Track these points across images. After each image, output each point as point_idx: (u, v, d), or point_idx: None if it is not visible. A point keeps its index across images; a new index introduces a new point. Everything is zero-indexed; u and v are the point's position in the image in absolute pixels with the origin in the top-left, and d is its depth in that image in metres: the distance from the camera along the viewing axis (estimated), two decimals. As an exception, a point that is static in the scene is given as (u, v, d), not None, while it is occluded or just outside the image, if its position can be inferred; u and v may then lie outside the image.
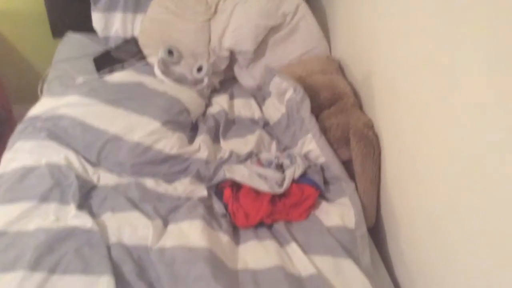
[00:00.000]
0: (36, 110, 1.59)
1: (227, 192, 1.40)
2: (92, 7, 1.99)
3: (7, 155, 1.47)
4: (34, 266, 1.12)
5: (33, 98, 1.90)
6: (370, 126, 1.48)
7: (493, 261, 0.89)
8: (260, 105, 1.82)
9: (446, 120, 1.05)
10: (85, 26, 2.04)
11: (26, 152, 1.45)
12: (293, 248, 1.27)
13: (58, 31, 2.12)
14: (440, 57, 1.07)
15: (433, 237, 1.13)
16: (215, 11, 1.93)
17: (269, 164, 1.48)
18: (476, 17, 0.92)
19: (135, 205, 1.33)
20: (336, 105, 1.59)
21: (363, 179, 1.40)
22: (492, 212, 0.89)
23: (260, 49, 1.92)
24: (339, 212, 1.35)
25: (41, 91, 1.85)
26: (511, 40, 0.81)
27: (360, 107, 1.61)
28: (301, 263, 1.24)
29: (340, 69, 1.81)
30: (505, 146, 0.84)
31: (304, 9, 1.92)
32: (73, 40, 2.05)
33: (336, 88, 1.63)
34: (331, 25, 1.98)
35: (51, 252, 1.16)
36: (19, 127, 1.55)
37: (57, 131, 1.50)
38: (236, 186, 1.43)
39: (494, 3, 0.86)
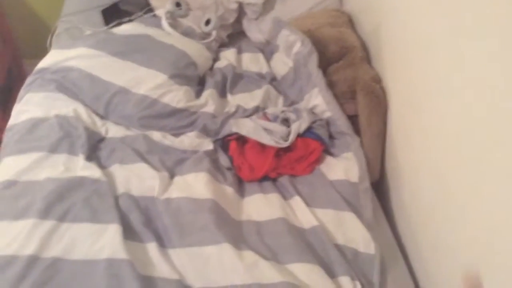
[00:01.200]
0: (45, 62, 1.60)
1: (233, 146, 1.42)
2: (100, -42, 1.95)
3: (17, 107, 1.50)
4: (44, 214, 1.16)
5: (44, 53, 1.91)
6: (377, 80, 1.47)
7: (496, 213, 0.90)
8: (268, 59, 1.80)
9: (454, 73, 1.03)
10: (93, -22, 2.02)
11: (35, 104, 1.47)
12: (297, 201, 1.29)
13: (66, -17, 2.10)
14: (451, 11, 1.04)
15: (436, 190, 1.14)
16: (224, -38, 1.89)
17: (275, 118, 1.48)
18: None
19: (142, 157, 1.36)
20: (344, 59, 1.57)
21: (369, 133, 1.40)
22: (496, 165, 0.89)
23: (269, 1, 1.88)
24: (343, 167, 1.36)
25: (51, 44, 1.86)
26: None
27: (369, 61, 1.59)
28: (304, 215, 1.26)
29: (350, 22, 1.77)
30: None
31: (315, -41, 1.86)
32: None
33: (345, 41, 1.60)
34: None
35: (61, 201, 1.20)
36: (29, 79, 1.57)
37: (65, 83, 1.52)
38: (242, 140, 1.44)
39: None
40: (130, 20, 1.83)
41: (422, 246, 1.23)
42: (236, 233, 1.19)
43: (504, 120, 0.84)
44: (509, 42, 0.81)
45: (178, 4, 1.83)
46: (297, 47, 1.57)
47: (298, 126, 1.43)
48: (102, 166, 1.33)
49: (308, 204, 1.28)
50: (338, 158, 1.40)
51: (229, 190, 1.32)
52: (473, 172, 0.97)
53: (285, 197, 1.33)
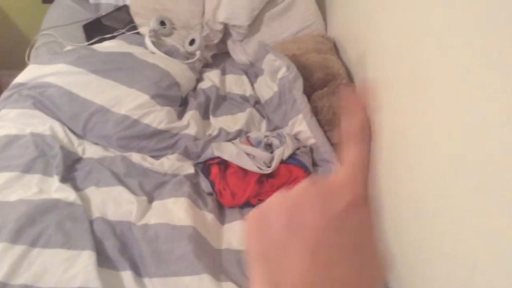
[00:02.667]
0: (23, 77, 1.55)
1: (215, 170, 1.39)
2: (83, -28, 1.92)
3: (-9, 124, 1.44)
4: (15, 238, 1.10)
5: (21, 65, 1.86)
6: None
7: (478, 247, 0.89)
8: (252, 82, 1.78)
9: (441, 103, 1.03)
10: (76, -8, 1.98)
11: (10, 120, 1.42)
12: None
13: (47, -4, 2.06)
14: (435, 41, 1.04)
15: (418, 220, 1.13)
16: (210, -18, 1.88)
17: (258, 143, 1.46)
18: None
19: (120, 180, 1.31)
20: (329, 86, 1.56)
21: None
22: (480, 197, 0.88)
23: (255, 24, 1.87)
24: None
25: (29, 58, 1.81)
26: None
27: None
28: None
29: (335, 48, 1.78)
30: (496, 123, 0.82)
31: (302, -16, 1.87)
32: (63, 6, 1.99)
33: (329, 68, 1.60)
34: (328, 4, 1.93)
35: (33, 224, 1.15)
36: (4, 94, 1.52)
37: (43, 99, 1.47)
38: (224, 164, 1.41)
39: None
40: (113, 37, 1.79)
41: (403, 277, 1.22)
42: (215, 263, 1.16)
43: (487, 153, 0.84)
44: (504, 72, 0.81)
45: (162, 23, 1.80)
46: (282, 72, 1.56)
47: (282, 152, 1.41)
48: (77, 188, 1.28)
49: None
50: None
51: (210, 216, 1.28)
52: (457, 204, 0.96)
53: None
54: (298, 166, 1.40)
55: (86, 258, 1.09)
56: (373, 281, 0.29)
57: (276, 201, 0.31)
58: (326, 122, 1.48)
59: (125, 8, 1.90)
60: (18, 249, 1.09)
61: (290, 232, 0.29)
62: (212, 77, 1.76)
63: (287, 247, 0.29)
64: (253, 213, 0.32)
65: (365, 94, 0.35)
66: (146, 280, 1.10)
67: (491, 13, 0.84)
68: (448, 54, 0.99)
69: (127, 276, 1.09)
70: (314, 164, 1.45)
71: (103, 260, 1.11)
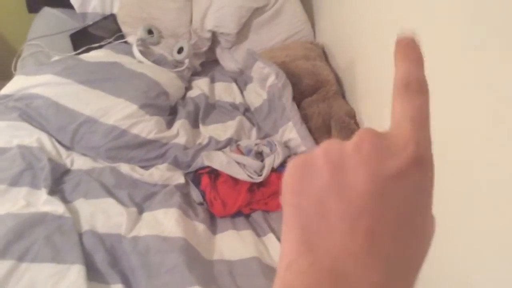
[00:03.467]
0: (9, 88, 1.53)
1: (205, 180, 1.37)
2: (70, -19, 1.91)
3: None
4: (3, 253, 1.08)
5: (6, 75, 1.83)
6: (352, 115, 1.46)
7: (473, 263, 0.89)
8: (241, 89, 1.78)
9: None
10: (62, 1, 1.96)
11: (-4, 134, 1.40)
12: (271, 239, 1.26)
13: (34, 6, 2.03)
14: (426, 44, 1.04)
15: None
16: (198, -10, 1.87)
17: (248, 152, 1.45)
18: (463, 4, 0.90)
19: (109, 192, 1.30)
20: (319, 93, 1.56)
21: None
22: (474, 210, 0.88)
23: (243, 31, 1.87)
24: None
25: (15, 69, 1.79)
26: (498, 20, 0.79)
27: (343, 95, 1.59)
28: (278, 254, 1.22)
29: (324, 54, 1.78)
30: (489, 137, 0.83)
31: (290, -9, 1.87)
32: (49, 15, 1.97)
33: (319, 75, 1.60)
34: (316, 9, 1.94)
35: (21, 239, 1.12)
36: (-10, 107, 1.49)
37: (29, 111, 1.45)
38: (215, 173, 1.40)
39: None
40: (100, 46, 1.77)
41: None
42: (207, 274, 1.14)
43: (484, 159, 0.84)
44: (492, 83, 0.82)
45: (150, 31, 1.79)
46: (271, 79, 1.55)
47: (272, 160, 1.40)
48: (66, 201, 1.26)
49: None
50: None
51: (201, 227, 1.27)
52: (450, 213, 0.96)
53: (258, 234, 1.29)
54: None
55: (76, 272, 1.07)
56: (418, 259, 0.26)
57: (325, 149, 0.27)
58: (316, 129, 1.47)
59: (112, 17, 1.88)
60: (6, 264, 1.07)
61: (334, 190, 0.26)
62: (201, 85, 1.76)
63: (328, 205, 0.26)
64: (297, 159, 0.28)
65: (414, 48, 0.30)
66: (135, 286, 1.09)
67: (478, 21, 0.85)
68: (435, 56, 1.00)
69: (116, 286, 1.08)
70: (305, 171, 1.44)
71: (93, 274, 1.09)
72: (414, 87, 0.28)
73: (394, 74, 0.28)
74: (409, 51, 0.29)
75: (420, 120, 0.27)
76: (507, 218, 0.78)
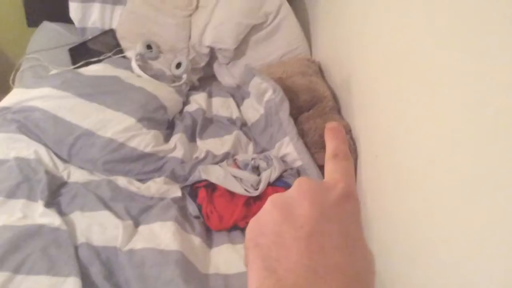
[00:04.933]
0: (7, 101, 1.53)
1: (202, 193, 1.38)
2: (70, -4, 1.93)
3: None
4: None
5: (5, 88, 1.84)
6: (347, 130, 1.47)
7: (469, 268, 0.89)
8: (238, 104, 1.79)
9: (425, 125, 1.04)
10: (62, 16, 1.98)
11: (-6, 145, 1.40)
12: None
13: (33, 20, 2.05)
14: (420, 62, 1.06)
15: (403, 245, 1.13)
16: (197, 7, 1.90)
17: (245, 166, 1.46)
18: (457, 16, 0.92)
19: (105, 204, 1.30)
20: (315, 108, 1.58)
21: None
22: (470, 219, 0.89)
23: (240, 47, 1.89)
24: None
25: (14, 82, 1.80)
26: (494, 38, 0.81)
27: (339, 111, 1.60)
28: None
29: (320, 71, 1.80)
30: (484, 150, 0.84)
31: (286, 9, 1.90)
32: (48, 29, 1.98)
33: (315, 91, 1.62)
34: (313, 27, 1.97)
35: (17, 250, 1.12)
36: (-12, 119, 1.50)
37: (27, 124, 1.45)
38: (211, 187, 1.41)
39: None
40: (99, 60, 1.79)
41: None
42: (203, 287, 1.14)
43: (480, 170, 0.85)
44: (487, 96, 0.83)
45: (149, 46, 1.81)
46: (268, 94, 1.57)
47: (269, 174, 1.41)
48: (62, 213, 1.26)
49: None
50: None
51: (197, 240, 1.27)
52: (445, 225, 0.96)
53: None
54: (286, 188, 1.40)
55: (71, 285, 1.07)
56: (362, 268, 0.31)
57: (271, 199, 0.33)
58: (312, 144, 1.49)
59: (111, 32, 1.90)
60: (1, 276, 1.06)
61: (286, 221, 0.31)
62: (198, 100, 1.77)
63: (282, 236, 0.30)
64: (252, 219, 0.34)
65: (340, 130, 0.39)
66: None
67: (473, 33, 0.87)
68: (431, 73, 1.01)
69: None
70: (301, 186, 1.45)
71: (89, 287, 1.09)
72: (341, 156, 0.36)
73: (326, 148, 0.37)
74: (337, 133, 0.38)
75: (347, 174, 0.35)
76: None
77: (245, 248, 0.33)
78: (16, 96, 1.54)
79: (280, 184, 1.41)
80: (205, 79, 1.93)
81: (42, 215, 1.22)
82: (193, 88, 1.87)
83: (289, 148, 1.48)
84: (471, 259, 0.88)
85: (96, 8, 1.93)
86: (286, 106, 1.53)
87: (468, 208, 0.89)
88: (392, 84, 1.22)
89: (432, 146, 1.01)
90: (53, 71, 1.73)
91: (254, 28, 1.87)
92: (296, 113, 1.57)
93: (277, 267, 0.29)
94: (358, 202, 0.34)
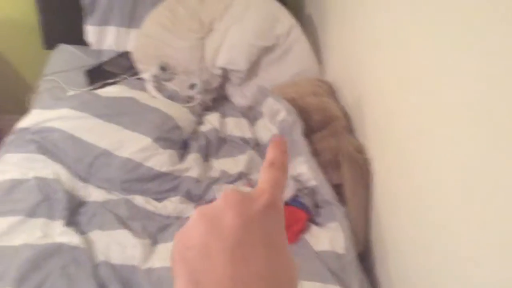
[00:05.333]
0: (26, 122, 1.57)
1: (217, 212, 1.39)
2: (86, 20, 1.98)
3: (-6, 168, 1.45)
4: (19, 284, 1.10)
5: (20, 109, 1.88)
6: (361, 150, 1.49)
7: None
8: (251, 124, 1.82)
9: (438, 144, 1.06)
10: (78, 39, 2.04)
11: (14, 164, 1.43)
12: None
13: (50, 42, 2.10)
14: (430, 82, 1.09)
15: (422, 264, 1.14)
16: (210, 29, 1.94)
17: (259, 185, 1.47)
18: (468, 40, 0.94)
19: (123, 223, 1.32)
20: (328, 128, 1.60)
21: (354, 203, 1.41)
22: (488, 239, 0.90)
23: (253, 68, 1.93)
24: (329, 237, 1.35)
25: (30, 103, 1.84)
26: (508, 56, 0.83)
27: (351, 131, 1.62)
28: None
29: (332, 91, 1.83)
30: (501, 164, 0.85)
31: (298, 31, 1.94)
32: (65, 52, 2.03)
33: (327, 111, 1.64)
34: (324, 48, 2.00)
35: (37, 269, 1.14)
36: (8, 139, 1.53)
37: (46, 144, 1.48)
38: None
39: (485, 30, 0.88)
40: (115, 82, 1.83)
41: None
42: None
43: (496, 187, 0.86)
44: (499, 117, 0.85)
45: (163, 68, 1.85)
46: (282, 115, 1.60)
47: (283, 194, 1.42)
48: (81, 232, 1.28)
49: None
50: (323, 228, 1.39)
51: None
52: (462, 246, 0.97)
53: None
54: (300, 207, 1.41)
55: (91, 303, 1.08)
56: (285, 276, 0.32)
57: (198, 210, 0.34)
58: (326, 164, 1.50)
59: (126, 55, 1.95)
60: (22, 294, 1.08)
61: (212, 232, 0.31)
62: (212, 120, 1.80)
63: (208, 247, 0.31)
64: (177, 233, 0.34)
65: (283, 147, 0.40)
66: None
67: (485, 49, 0.89)
68: (445, 91, 1.04)
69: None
70: (316, 205, 1.46)
71: (108, 305, 1.11)
72: (276, 166, 0.37)
73: (266, 157, 0.38)
74: (279, 144, 0.39)
75: (276, 185, 0.35)
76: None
77: (171, 261, 0.33)
78: (34, 117, 1.58)
79: (294, 203, 1.42)
80: (218, 99, 1.96)
81: (61, 234, 1.24)
82: (207, 109, 1.90)
83: (303, 167, 1.49)
84: (502, 280, 0.88)
85: (111, 31, 1.98)
86: (299, 126, 1.55)
87: (490, 225, 0.90)
88: (403, 105, 1.24)
89: (449, 164, 1.03)
90: (71, 92, 1.77)
91: (266, 50, 1.91)
92: (309, 134, 1.59)
93: (202, 279, 0.30)
94: (282, 212, 0.35)
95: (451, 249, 1.01)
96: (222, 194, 0.34)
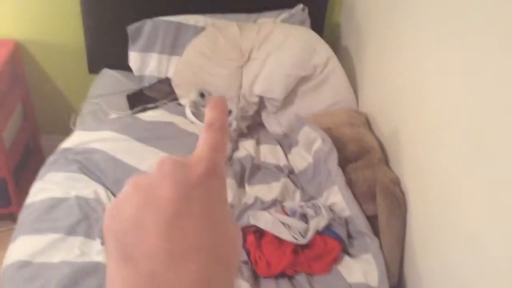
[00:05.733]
0: (69, 142, 1.63)
1: (250, 239, 1.40)
2: (130, 46, 2.06)
3: (37, 185, 1.50)
4: None
5: (63, 130, 1.96)
6: (396, 182, 1.48)
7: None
8: (286, 152, 1.83)
9: (475, 179, 1.05)
10: (121, 64, 2.11)
11: (56, 183, 1.48)
12: (314, 302, 1.26)
13: (94, 67, 2.19)
14: (468, 117, 1.08)
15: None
16: (248, 59, 1.99)
17: (293, 213, 1.48)
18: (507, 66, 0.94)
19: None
20: (363, 159, 1.60)
21: (388, 235, 1.39)
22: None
23: (289, 97, 1.95)
24: (362, 269, 1.33)
25: (74, 124, 1.91)
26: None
27: (387, 163, 1.62)
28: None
29: (368, 123, 1.83)
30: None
31: (335, 62, 1.96)
32: (108, 76, 2.11)
33: (363, 142, 1.65)
34: (360, 79, 2.02)
35: (75, 286, 1.17)
36: (51, 158, 1.59)
37: (88, 164, 1.54)
38: (259, 233, 1.43)
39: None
40: (155, 107, 1.89)
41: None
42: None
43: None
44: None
45: (202, 95, 1.90)
46: (317, 144, 1.61)
47: (317, 222, 1.42)
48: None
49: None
50: (356, 259, 1.38)
51: (245, 285, 1.29)
52: (498, 279, 0.95)
53: (301, 296, 1.29)
54: (334, 237, 1.41)
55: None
56: (225, 248, 0.30)
57: (133, 181, 0.31)
58: (360, 195, 1.50)
59: (167, 81, 2.01)
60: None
61: (147, 204, 0.29)
62: (247, 146, 1.82)
63: (142, 220, 0.29)
64: (110, 204, 0.32)
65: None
66: None
67: None
68: (482, 127, 1.03)
69: None
70: (350, 236, 1.45)
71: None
72: (216, 126, 0.35)
73: (205, 119, 0.36)
74: (218, 103, 0.36)
75: (215, 148, 0.33)
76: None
77: (104, 237, 0.31)
78: (77, 138, 1.64)
79: (328, 233, 1.42)
80: (253, 126, 1.99)
81: (99, 252, 1.27)
82: (242, 135, 1.92)
83: (337, 197, 1.50)
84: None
85: (154, 57, 2.05)
86: (334, 156, 1.56)
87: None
88: (441, 140, 1.24)
89: (491, 199, 1.01)
90: (113, 116, 1.83)
91: (303, 79, 1.93)
92: (343, 163, 1.60)
93: (135, 254, 0.28)
94: (223, 177, 0.32)
95: (489, 283, 0.99)
96: (158, 163, 0.32)
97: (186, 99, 1.90)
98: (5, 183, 2.06)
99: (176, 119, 1.76)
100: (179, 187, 0.30)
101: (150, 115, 1.77)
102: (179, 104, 1.92)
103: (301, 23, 2.08)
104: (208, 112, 0.36)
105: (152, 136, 1.63)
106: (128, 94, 1.98)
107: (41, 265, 1.22)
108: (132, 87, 2.03)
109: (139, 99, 1.95)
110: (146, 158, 1.54)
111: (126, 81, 2.08)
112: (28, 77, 2.34)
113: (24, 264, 1.22)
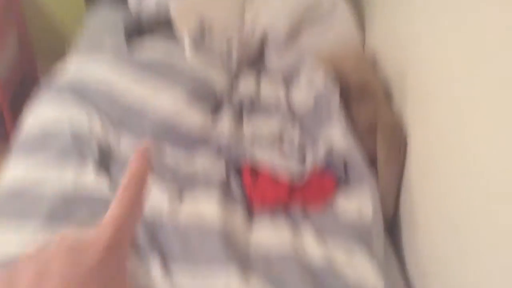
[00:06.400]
0: (63, 71, 1.59)
1: (246, 173, 1.39)
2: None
3: (29, 112, 1.48)
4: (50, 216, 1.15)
5: (59, 57, 1.91)
6: (398, 122, 1.45)
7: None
8: (287, 89, 1.79)
9: (479, 124, 1.01)
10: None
11: (49, 110, 1.45)
12: (308, 237, 1.25)
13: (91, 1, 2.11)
14: (479, 62, 1.03)
15: (451, 241, 1.10)
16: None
17: (291, 150, 1.46)
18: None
19: (152, 176, 1.32)
20: (366, 99, 1.55)
21: (386, 170, 1.37)
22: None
23: (292, 35, 1.89)
24: (357, 204, 1.32)
25: (69, 56, 1.86)
26: None
27: (389, 103, 1.57)
28: (314, 252, 1.22)
29: (373, 62, 1.77)
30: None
31: (341, -3, 1.88)
32: (105, 8, 2.04)
33: (367, 82, 1.59)
34: (368, 16, 1.94)
35: (66, 208, 1.18)
36: (45, 87, 1.55)
37: (83, 94, 1.50)
38: (255, 171, 1.41)
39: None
40: (153, 39, 1.82)
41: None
42: (245, 266, 1.15)
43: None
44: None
45: (201, 27, 1.83)
46: (319, 81, 1.56)
47: (315, 159, 1.40)
48: (112, 181, 1.30)
49: (319, 240, 1.24)
50: (352, 195, 1.36)
51: (240, 220, 1.28)
52: (493, 224, 0.93)
53: (296, 231, 1.28)
54: (330, 174, 1.39)
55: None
56: None
57: (30, 253, 0.31)
58: (362, 133, 1.47)
59: (166, 13, 1.93)
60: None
61: (37, 281, 0.29)
62: (247, 82, 1.78)
63: None
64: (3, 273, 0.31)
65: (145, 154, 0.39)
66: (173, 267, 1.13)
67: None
68: (489, 78, 0.98)
69: (155, 266, 1.11)
70: (347, 173, 1.42)
71: (134, 253, 1.12)
72: (133, 182, 0.36)
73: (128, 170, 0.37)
74: (142, 156, 0.38)
75: (126, 210, 0.34)
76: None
77: None
78: (72, 68, 1.59)
79: (325, 169, 1.40)
80: (255, 63, 1.94)
81: (92, 181, 1.26)
82: (243, 72, 1.87)
83: (338, 135, 1.46)
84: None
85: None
86: (337, 94, 1.52)
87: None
88: (447, 84, 1.18)
89: (490, 145, 0.98)
90: (108, 48, 1.77)
91: (307, 16, 1.86)
92: (346, 100, 1.56)
93: None
94: (124, 248, 0.33)
95: (485, 232, 0.97)
96: (57, 238, 0.32)
97: (185, 32, 1.83)
98: (2, 116, 2.04)
99: (174, 53, 1.71)
100: (71, 268, 0.30)
101: (147, 50, 1.71)
102: (178, 38, 1.85)
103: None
104: (131, 164, 0.37)
105: (149, 70, 1.56)
106: (125, 26, 1.91)
107: (32, 194, 1.22)
108: (130, 19, 1.95)
109: (136, 32, 1.88)
110: (143, 93, 1.49)
111: (123, 12, 2.01)
112: (25, 8, 2.27)
113: (16, 191, 1.22)
